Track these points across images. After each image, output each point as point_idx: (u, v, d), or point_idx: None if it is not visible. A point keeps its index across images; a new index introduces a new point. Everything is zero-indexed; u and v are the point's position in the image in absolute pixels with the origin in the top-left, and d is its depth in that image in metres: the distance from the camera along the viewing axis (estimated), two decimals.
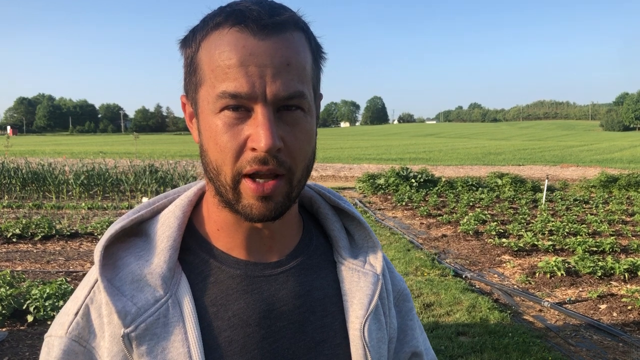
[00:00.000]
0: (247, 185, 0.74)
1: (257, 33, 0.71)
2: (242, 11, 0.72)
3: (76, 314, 0.78)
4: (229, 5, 0.75)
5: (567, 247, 8.30)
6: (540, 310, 5.82)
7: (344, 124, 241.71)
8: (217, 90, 0.72)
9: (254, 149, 0.71)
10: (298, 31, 0.75)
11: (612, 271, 6.89)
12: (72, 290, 5.25)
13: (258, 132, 0.70)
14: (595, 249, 8.09)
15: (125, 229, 0.82)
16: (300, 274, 0.87)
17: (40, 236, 8.54)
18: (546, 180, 14.10)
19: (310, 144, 0.78)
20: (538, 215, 11.36)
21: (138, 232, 0.84)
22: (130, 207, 12.29)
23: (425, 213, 11.81)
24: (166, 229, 0.81)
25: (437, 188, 16.17)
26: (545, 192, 13.82)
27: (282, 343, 0.82)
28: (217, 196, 0.80)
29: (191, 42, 0.77)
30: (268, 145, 0.70)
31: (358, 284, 0.89)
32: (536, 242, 8.40)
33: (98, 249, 0.78)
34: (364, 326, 0.86)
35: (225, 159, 0.73)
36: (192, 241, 0.84)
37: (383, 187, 16.28)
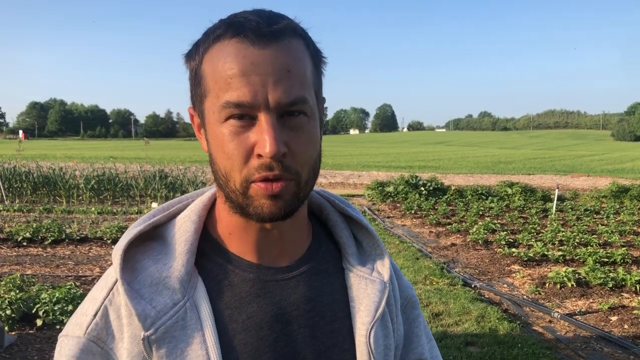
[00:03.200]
0: (257, 187, 0.75)
1: (257, 42, 0.73)
2: (241, 22, 0.74)
3: (95, 314, 0.79)
4: (229, 17, 0.77)
5: (578, 257, 8.23)
6: (550, 321, 5.77)
7: (353, 131, 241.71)
8: (221, 100, 0.74)
9: (260, 156, 0.74)
10: (296, 38, 0.77)
11: (623, 282, 6.82)
12: (82, 295, 5.27)
13: (263, 139, 0.73)
14: (606, 259, 8.01)
15: (142, 233, 0.83)
16: (311, 279, 0.88)
17: (50, 240, 8.60)
18: (556, 190, 14.01)
19: (314, 147, 0.80)
20: (548, 225, 11.28)
21: (154, 236, 0.85)
22: (140, 212, 12.35)
23: (434, 221, 11.77)
24: (183, 233, 0.83)
25: (446, 196, 16.12)
26: (555, 201, 13.73)
27: (294, 347, 0.84)
28: (227, 202, 0.81)
29: (194, 55, 0.79)
30: (273, 152, 0.72)
31: (365, 290, 0.90)
32: (546, 252, 8.34)
33: (118, 252, 0.79)
34: (370, 332, 0.87)
35: (234, 166, 0.76)
36: (206, 245, 0.85)
37: (392, 195, 16.24)
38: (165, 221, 0.87)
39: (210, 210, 0.89)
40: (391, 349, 0.92)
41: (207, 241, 0.86)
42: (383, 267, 0.94)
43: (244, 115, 0.74)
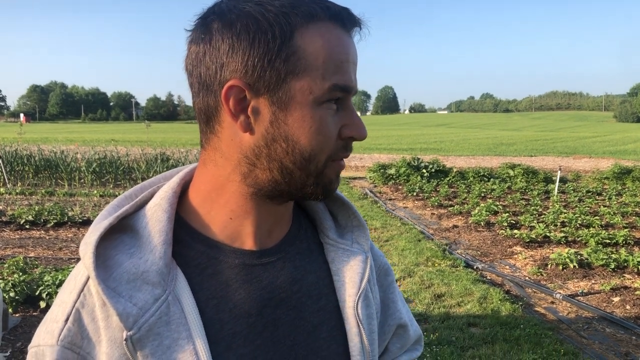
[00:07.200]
0: (335, 165, 0.81)
1: (349, 31, 0.79)
2: (334, 8, 0.76)
3: (66, 320, 0.73)
4: None
5: (580, 239, 8.24)
6: (552, 302, 5.79)
7: None
8: (329, 82, 0.75)
9: (350, 138, 0.79)
10: None
11: (625, 264, 6.83)
12: None
13: (357, 123, 0.79)
14: (608, 241, 8.02)
15: (113, 226, 0.78)
16: (295, 259, 0.87)
17: (52, 223, 8.64)
18: (559, 172, 13.96)
19: None
20: (550, 207, 11.28)
21: (122, 228, 0.79)
22: None
23: (436, 203, 11.76)
24: (156, 223, 0.77)
25: (448, 178, 16.09)
26: (557, 183, 13.70)
27: (283, 330, 0.82)
28: (267, 184, 0.79)
29: (277, 26, 0.72)
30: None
31: (348, 262, 0.91)
32: (548, 234, 8.34)
33: (89, 249, 0.73)
34: (357, 304, 0.88)
35: (325, 147, 0.77)
36: (183, 233, 0.81)
37: (394, 177, 16.23)
38: (132, 211, 0.81)
39: (181, 196, 0.84)
40: (374, 318, 0.93)
41: (183, 229, 0.81)
42: (363, 238, 0.95)
43: (340, 99, 0.77)
